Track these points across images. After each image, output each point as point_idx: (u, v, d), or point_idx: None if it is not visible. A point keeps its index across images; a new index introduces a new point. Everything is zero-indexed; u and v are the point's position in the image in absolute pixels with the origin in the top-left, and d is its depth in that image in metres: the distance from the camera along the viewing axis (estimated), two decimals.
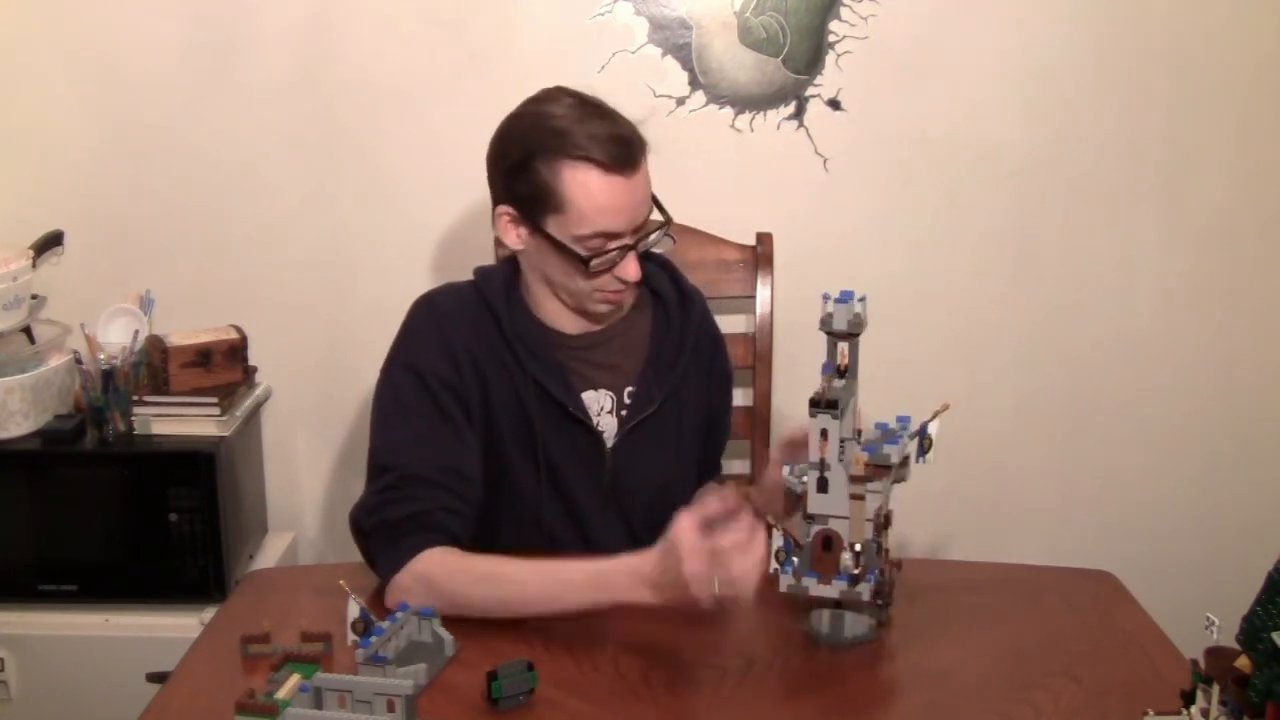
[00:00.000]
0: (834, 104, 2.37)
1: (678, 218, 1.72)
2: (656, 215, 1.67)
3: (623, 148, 1.57)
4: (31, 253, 2.26)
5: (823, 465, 1.39)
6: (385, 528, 1.56)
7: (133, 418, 2.18)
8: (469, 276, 1.75)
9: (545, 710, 1.32)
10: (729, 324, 2.00)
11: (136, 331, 2.26)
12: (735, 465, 2.06)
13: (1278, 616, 1.06)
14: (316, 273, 2.43)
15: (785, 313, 2.21)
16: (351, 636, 1.42)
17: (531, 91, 1.68)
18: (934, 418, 1.45)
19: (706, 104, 2.37)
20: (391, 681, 1.23)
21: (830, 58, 2.35)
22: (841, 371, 1.41)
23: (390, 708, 1.21)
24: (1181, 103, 2.39)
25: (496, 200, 1.66)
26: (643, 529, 1.76)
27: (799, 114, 2.37)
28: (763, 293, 2.20)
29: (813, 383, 1.38)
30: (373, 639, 1.34)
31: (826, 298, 1.40)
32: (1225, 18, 2.35)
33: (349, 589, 1.45)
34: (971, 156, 2.40)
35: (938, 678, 1.42)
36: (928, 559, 2.38)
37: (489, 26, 2.33)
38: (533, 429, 1.67)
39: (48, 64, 2.34)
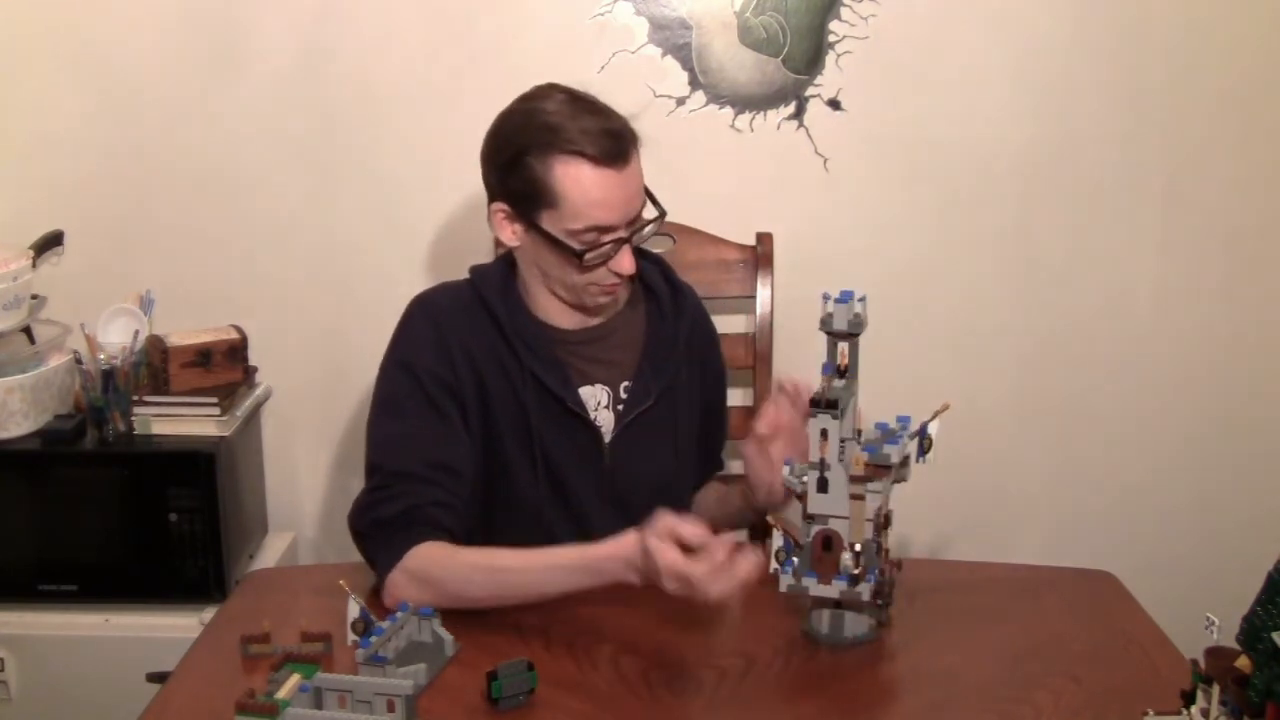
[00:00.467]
0: (834, 104, 2.37)
1: (678, 218, 1.72)
2: (652, 210, 1.67)
3: (614, 141, 1.58)
4: (31, 253, 2.26)
5: (823, 465, 1.39)
6: (378, 527, 1.57)
7: (133, 418, 2.18)
8: (468, 276, 1.75)
9: (545, 710, 1.32)
10: (729, 324, 2.01)
11: (136, 331, 2.26)
12: (735, 465, 2.06)
13: (1278, 616, 1.06)
14: (316, 273, 2.43)
15: (785, 313, 2.21)
16: (351, 636, 1.42)
17: None
18: (934, 418, 1.45)
19: (706, 104, 2.37)
20: (391, 681, 1.23)
21: (830, 58, 2.35)
22: (841, 371, 1.41)
23: (390, 708, 1.21)
24: (1182, 102, 2.39)
25: (491, 197, 1.67)
26: (641, 523, 1.76)
27: (799, 114, 2.37)
28: (762, 293, 2.20)
29: (813, 383, 1.38)
30: (373, 639, 1.34)
31: (826, 298, 1.40)
32: (1225, 18, 2.35)
33: (349, 589, 1.45)
34: (971, 156, 2.40)
35: (938, 678, 1.42)
36: (928, 559, 2.38)
37: (489, 26, 2.33)
38: (530, 425, 1.67)
39: (48, 64, 2.34)
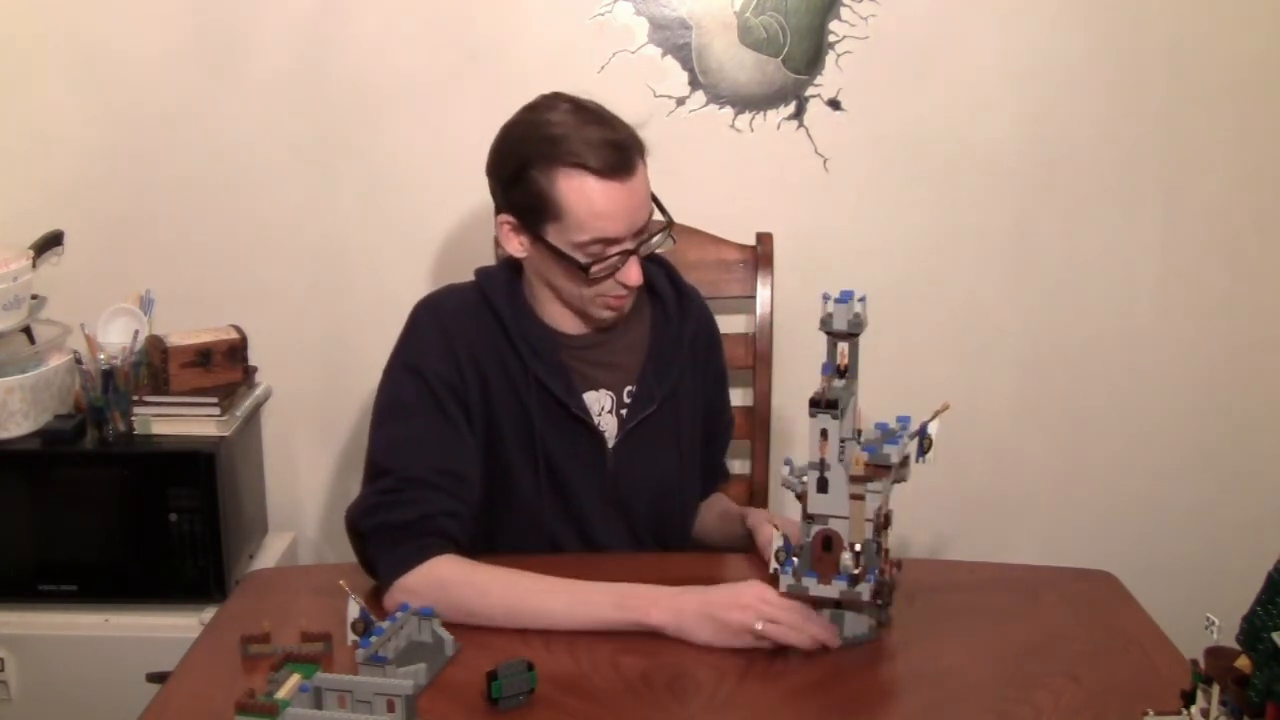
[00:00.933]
0: (834, 104, 2.37)
1: (678, 218, 1.72)
2: (657, 215, 1.67)
3: (618, 153, 1.57)
4: (31, 253, 2.26)
5: (823, 465, 1.39)
6: (385, 531, 1.56)
7: (133, 418, 2.18)
8: (469, 276, 1.75)
9: (545, 710, 1.32)
10: (729, 324, 2.00)
11: (136, 331, 2.26)
12: (735, 465, 2.06)
13: (1278, 616, 1.05)
14: (316, 272, 2.43)
15: (785, 313, 2.21)
16: (351, 636, 1.42)
17: (532, 92, 1.69)
18: (934, 418, 1.45)
19: (706, 104, 2.37)
20: (391, 681, 1.23)
21: (830, 58, 2.35)
22: (842, 371, 1.41)
23: (390, 708, 1.21)
24: (1181, 102, 2.39)
25: (497, 209, 1.66)
26: (644, 529, 1.76)
27: (799, 114, 2.37)
28: (763, 293, 2.20)
29: (813, 383, 1.38)
30: (373, 639, 1.34)
31: (827, 298, 1.40)
32: (1224, 17, 2.35)
33: (349, 589, 1.45)
34: (971, 156, 2.40)
35: (938, 678, 1.42)
36: (928, 559, 2.38)
37: (489, 26, 2.34)
38: (533, 429, 1.67)
39: (48, 64, 2.34)
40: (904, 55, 2.35)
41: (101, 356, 2.18)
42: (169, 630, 2.06)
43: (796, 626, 1.43)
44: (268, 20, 2.32)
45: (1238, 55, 2.37)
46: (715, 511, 1.88)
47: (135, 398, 2.18)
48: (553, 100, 1.63)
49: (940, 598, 1.59)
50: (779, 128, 2.38)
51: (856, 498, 1.38)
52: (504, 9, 2.33)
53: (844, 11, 2.33)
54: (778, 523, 1.59)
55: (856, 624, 1.47)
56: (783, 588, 1.42)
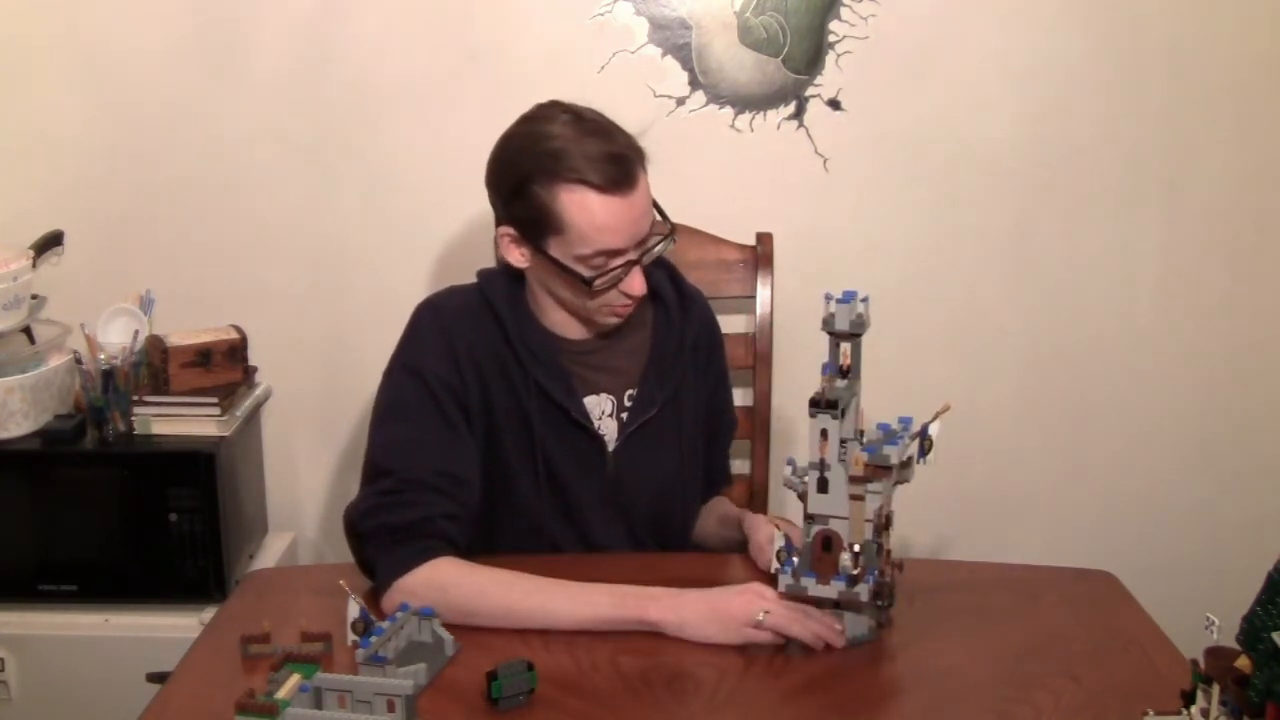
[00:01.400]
0: (834, 104, 2.37)
1: (677, 218, 1.72)
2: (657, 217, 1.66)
3: (619, 166, 1.56)
4: (31, 253, 2.26)
5: (823, 465, 1.39)
6: (384, 532, 1.55)
7: (133, 418, 2.18)
8: (469, 277, 1.75)
9: (545, 710, 1.32)
10: (729, 324, 2.00)
11: (136, 331, 2.26)
12: (735, 465, 2.06)
13: (1278, 616, 1.05)
14: (316, 273, 2.43)
15: (785, 313, 2.21)
16: (351, 636, 1.42)
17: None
18: (935, 419, 1.45)
19: (706, 104, 2.37)
20: (391, 681, 1.23)
21: (830, 58, 2.35)
22: (843, 372, 1.41)
23: (390, 708, 1.21)
24: (1181, 102, 2.39)
25: (498, 221, 1.66)
26: (644, 532, 1.76)
27: (799, 114, 2.37)
28: (763, 293, 2.20)
29: (813, 383, 1.38)
30: (373, 639, 1.34)
31: (829, 298, 1.40)
32: (1224, 17, 2.35)
33: (349, 589, 1.45)
34: (971, 156, 2.40)
35: (938, 678, 1.42)
36: (928, 559, 2.37)
37: (489, 26, 2.33)
38: (533, 433, 1.66)
39: (48, 64, 2.34)
40: (904, 55, 2.35)
41: (101, 356, 2.18)
42: (169, 630, 2.06)
43: (798, 620, 1.43)
44: (268, 20, 2.32)
45: (1238, 55, 2.37)
46: (715, 516, 1.87)
47: (135, 398, 2.18)
48: (551, 110, 1.61)
49: (940, 598, 1.59)
50: (779, 128, 2.38)
51: (856, 498, 1.38)
52: (504, 9, 2.33)
53: (844, 11, 2.33)
54: (780, 524, 1.59)
55: (856, 624, 1.47)
56: (781, 588, 1.42)
